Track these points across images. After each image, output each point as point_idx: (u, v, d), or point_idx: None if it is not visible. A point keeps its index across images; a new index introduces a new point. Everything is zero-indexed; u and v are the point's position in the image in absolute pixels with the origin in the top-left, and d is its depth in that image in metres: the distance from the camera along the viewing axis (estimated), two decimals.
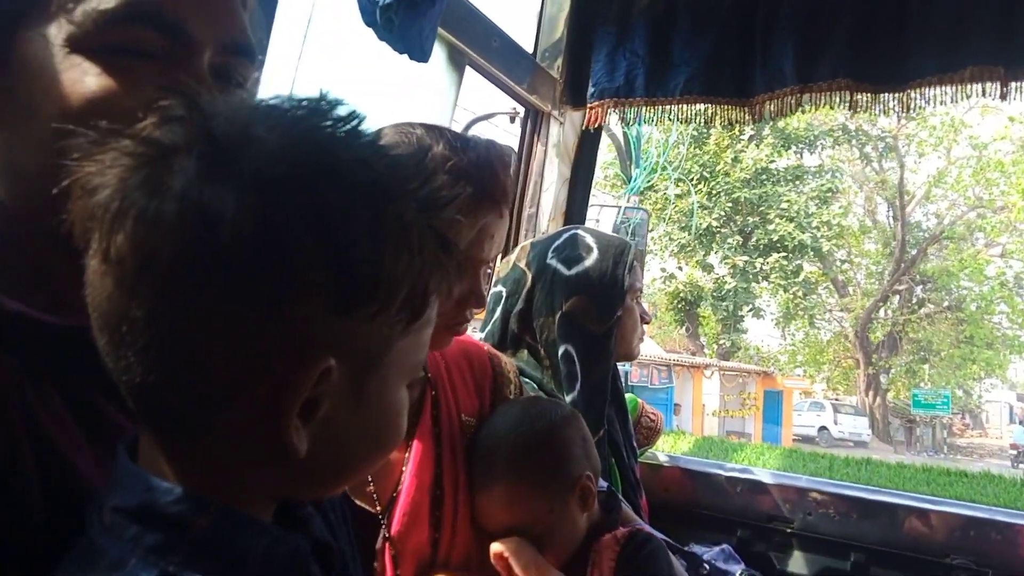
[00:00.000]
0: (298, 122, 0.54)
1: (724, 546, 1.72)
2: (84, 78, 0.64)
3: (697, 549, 1.71)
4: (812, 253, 24.62)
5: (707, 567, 1.59)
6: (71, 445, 0.62)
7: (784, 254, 24.03)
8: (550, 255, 1.76)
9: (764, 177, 23.74)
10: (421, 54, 1.58)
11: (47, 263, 0.66)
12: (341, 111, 0.56)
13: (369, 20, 1.55)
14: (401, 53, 1.54)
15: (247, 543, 0.56)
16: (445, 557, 1.20)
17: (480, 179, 1.15)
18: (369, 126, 0.57)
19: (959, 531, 1.80)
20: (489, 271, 1.25)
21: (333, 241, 0.52)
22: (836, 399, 28.63)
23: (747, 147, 23.83)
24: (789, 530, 1.94)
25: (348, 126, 0.55)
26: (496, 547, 1.21)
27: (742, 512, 2.00)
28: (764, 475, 2.03)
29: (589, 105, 2.32)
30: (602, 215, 2.82)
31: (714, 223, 23.77)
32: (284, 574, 0.58)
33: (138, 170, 0.51)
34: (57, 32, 0.65)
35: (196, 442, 0.56)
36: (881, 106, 2.08)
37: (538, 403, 1.40)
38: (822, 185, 24.56)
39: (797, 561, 1.92)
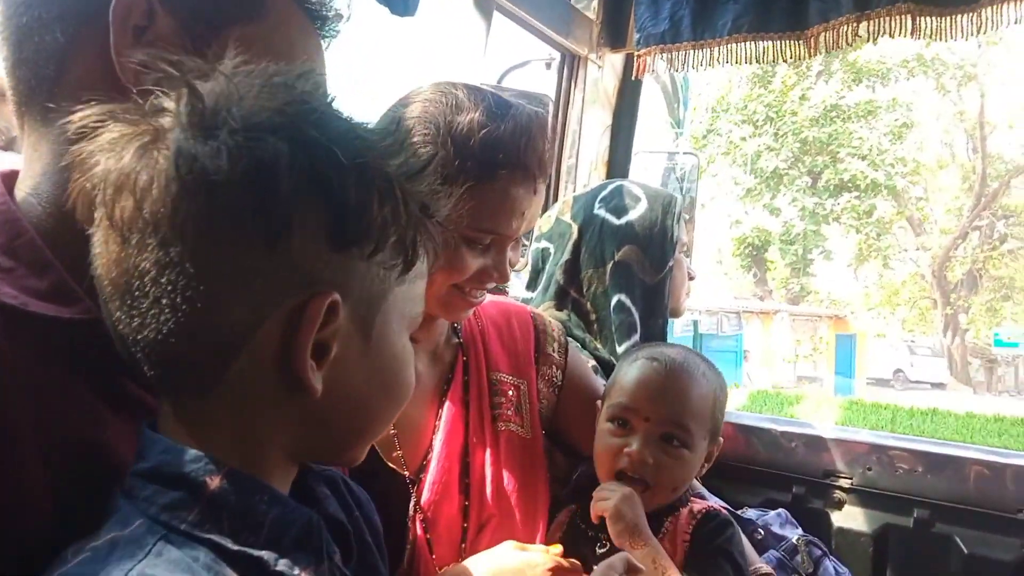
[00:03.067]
0: (278, 79, 0.59)
1: (780, 510, 1.66)
2: None
3: (752, 514, 1.65)
4: (886, 192, 23.64)
5: (761, 532, 1.54)
6: (94, 420, 0.65)
7: (856, 194, 23.16)
8: (597, 206, 1.73)
9: (834, 114, 22.79)
10: (403, 7, 1.46)
11: (53, 251, 0.68)
12: (309, 77, 0.61)
13: None
14: (383, 5, 1.43)
15: (261, 508, 0.58)
16: (476, 523, 1.19)
17: (515, 149, 1.10)
18: (336, 95, 0.62)
19: None
20: (524, 245, 1.20)
21: (324, 177, 0.55)
22: (912, 341, 27.71)
23: (815, 83, 22.84)
24: (848, 486, 1.86)
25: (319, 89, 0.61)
26: (606, 494, 1.15)
27: (797, 468, 1.92)
28: (820, 429, 1.95)
29: (636, 53, 2.21)
30: (649, 162, 2.71)
31: (781, 165, 22.97)
32: (298, 542, 0.60)
33: (133, 141, 0.54)
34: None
35: (212, 397, 0.58)
36: (951, 30, 1.90)
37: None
38: (896, 120, 23.40)
39: (856, 518, 1.84)
